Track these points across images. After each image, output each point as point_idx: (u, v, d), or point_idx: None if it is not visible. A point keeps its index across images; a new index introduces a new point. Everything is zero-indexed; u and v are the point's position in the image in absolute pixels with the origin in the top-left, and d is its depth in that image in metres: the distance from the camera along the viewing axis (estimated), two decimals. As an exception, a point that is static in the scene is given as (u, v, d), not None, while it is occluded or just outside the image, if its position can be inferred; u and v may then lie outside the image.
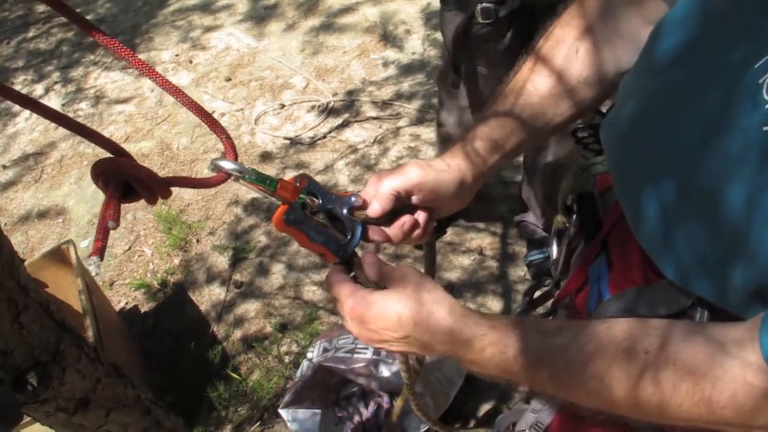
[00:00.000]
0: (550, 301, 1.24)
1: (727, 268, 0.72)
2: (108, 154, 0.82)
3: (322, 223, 0.89)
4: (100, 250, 0.72)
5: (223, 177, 0.83)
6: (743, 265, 0.70)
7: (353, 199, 0.91)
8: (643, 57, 0.88)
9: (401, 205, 0.94)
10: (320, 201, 0.88)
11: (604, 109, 1.12)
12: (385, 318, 0.81)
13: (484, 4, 1.93)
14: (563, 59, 0.96)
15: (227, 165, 0.81)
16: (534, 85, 0.97)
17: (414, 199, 0.94)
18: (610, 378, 0.70)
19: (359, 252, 0.90)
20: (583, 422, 1.09)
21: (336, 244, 0.88)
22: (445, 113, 2.49)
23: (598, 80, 0.97)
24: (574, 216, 1.11)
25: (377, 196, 0.91)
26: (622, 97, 0.94)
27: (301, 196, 0.86)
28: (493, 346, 0.77)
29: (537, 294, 1.26)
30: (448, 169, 0.95)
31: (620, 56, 0.96)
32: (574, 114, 0.99)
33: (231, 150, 0.85)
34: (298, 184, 0.87)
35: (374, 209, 0.91)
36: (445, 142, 2.54)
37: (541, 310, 1.29)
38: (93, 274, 0.70)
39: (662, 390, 0.66)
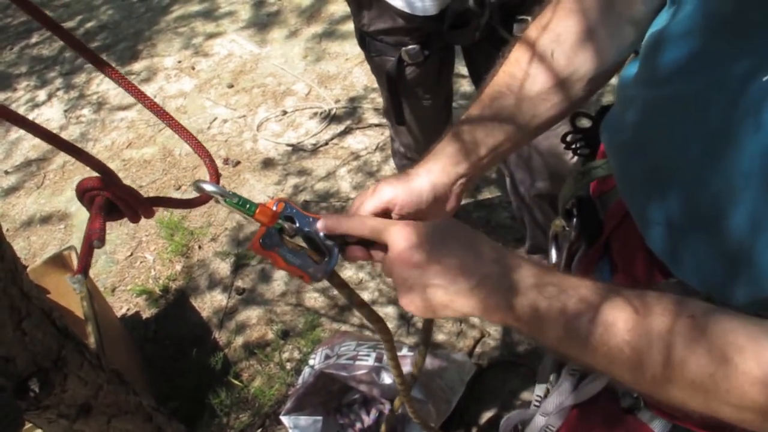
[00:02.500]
0: None
1: (731, 287, 0.72)
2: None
3: (299, 246, 0.90)
4: (84, 269, 0.73)
5: (206, 198, 0.85)
6: (746, 285, 0.70)
7: None
8: (644, 66, 0.88)
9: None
10: (297, 224, 0.89)
11: (591, 112, 1.12)
12: (429, 237, 0.80)
13: (408, 47, 1.91)
14: (557, 56, 0.94)
15: (209, 187, 0.82)
16: (510, 85, 0.95)
17: (393, 215, 0.93)
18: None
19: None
20: (593, 427, 1.09)
21: (313, 266, 0.89)
22: (397, 144, 2.49)
23: (588, 77, 0.95)
24: (575, 219, 1.10)
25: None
26: (622, 101, 0.94)
27: (279, 221, 0.87)
28: (514, 312, 0.75)
29: None
30: (419, 177, 0.94)
31: (608, 53, 0.95)
32: (562, 111, 0.98)
33: (214, 172, 0.87)
34: (275, 209, 0.87)
35: None
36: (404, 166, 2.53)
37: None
38: (77, 292, 0.71)
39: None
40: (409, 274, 0.80)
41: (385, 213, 0.93)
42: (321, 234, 0.90)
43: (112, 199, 0.81)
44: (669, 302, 0.68)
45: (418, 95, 2.09)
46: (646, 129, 0.84)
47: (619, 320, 0.69)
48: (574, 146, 1.18)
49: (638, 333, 0.68)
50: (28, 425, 1.59)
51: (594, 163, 1.08)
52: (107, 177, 0.81)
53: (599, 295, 0.71)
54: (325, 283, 0.95)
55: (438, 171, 0.94)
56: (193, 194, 0.87)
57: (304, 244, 0.91)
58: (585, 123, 1.17)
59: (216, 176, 0.88)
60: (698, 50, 0.76)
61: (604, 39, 0.94)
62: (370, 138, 3.58)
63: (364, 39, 2.02)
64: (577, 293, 0.72)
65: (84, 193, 0.80)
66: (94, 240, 0.75)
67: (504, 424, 1.36)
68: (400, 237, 0.82)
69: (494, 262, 0.78)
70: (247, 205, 0.84)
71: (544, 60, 0.94)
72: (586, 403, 1.08)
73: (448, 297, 0.79)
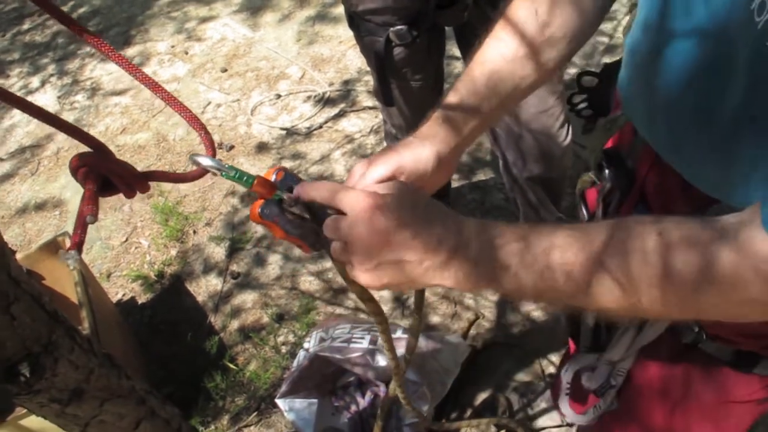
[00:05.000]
0: None
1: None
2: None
3: (299, 215, 0.88)
4: (78, 245, 0.73)
5: (201, 172, 0.84)
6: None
7: None
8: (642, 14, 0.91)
9: None
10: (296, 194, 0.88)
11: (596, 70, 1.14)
12: (398, 211, 0.75)
13: (396, 28, 1.90)
14: (525, 21, 0.96)
15: (205, 161, 0.81)
16: (499, 49, 0.97)
17: None
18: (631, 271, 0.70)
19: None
20: (660, 364, 1.15)
21: (313, 236, 0.88)
22: (388, 125, 2.49)
23: (562, 39, 0.98)
24: (606, 171, 1.12)
25: (357, 187, 0.90)
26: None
27: (278, 192, 0.86)
28: (514, 236, 0.75)
29: None
30: (421, 145, 0.94)
31: (578, 15, 0.97)
32: (541, 75, 1.00)
33: (209, 146, 0.86)
34: (274, 177, 0.86)
35: None
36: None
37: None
38: (71, 268, 0.71)
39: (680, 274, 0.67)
40: (373, 245, 0.75)
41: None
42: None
43: (106, 174, 0.81)
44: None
45: (407, 76, 2.08)
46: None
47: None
48: (577, 109, 1.19)
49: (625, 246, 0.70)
50: (22, 411, 1.59)
51: (618, 112, 1.12)
52: (101, 153, 0.81)
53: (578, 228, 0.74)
54: (319, 266, 0.95)
55: (439, 140, 0.96)
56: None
57: (304, 214, 0.90)
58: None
59: (212, 149, 0.88)
60: None
61: None
62: (365, 121, 3.57)
63: (353, 19, 2.01)
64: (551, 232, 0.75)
65: (77, 169, 0.80)
66: (87, 216, 0.75)
67: (564, 373, 1.42)
68: (360, 200, 0.76)
69: (462, 231, 0.77)
70: (245, 178, 0.83)
71: (529, 22, 0.97)
72: (649, 345, 1.15)
73: (420, 271, 0.76)
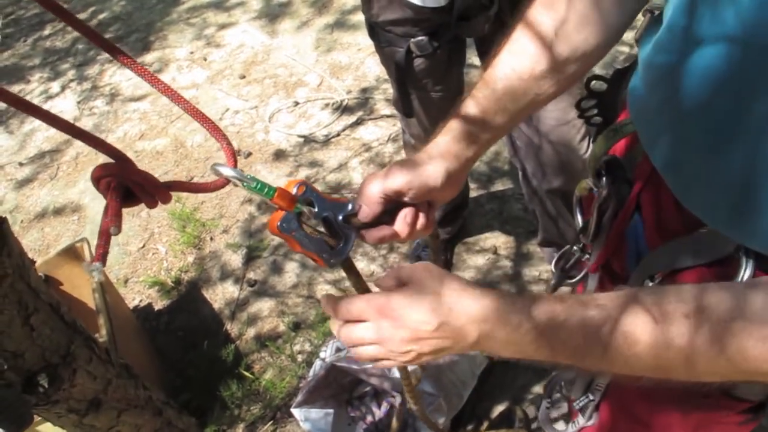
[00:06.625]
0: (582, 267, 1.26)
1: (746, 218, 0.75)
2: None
3: (316, 230, 0.90)
4: (102, 256, 0.72)
5: (223, 182, 0.84)
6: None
7: (349, 206, 0.93)
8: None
9: (396, 203, 0.94)
10: (316, 209, 0.89)
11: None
12: (417, 308, 0.79)
13: (417, 39, 1.89)
14: (544, 37, 0.96)
15: (227, 171, 0.81)
16: (512, 65, 0.97)
17: (406, 198, 0.94)
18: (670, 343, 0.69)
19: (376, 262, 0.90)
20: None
21: (328, 251, 0.90)
22: (407, 135, 2.48)
23: (583, 55, 0.97)
24: (604, 179, 1.11)
25: (366, 201, 0.92)
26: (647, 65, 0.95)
27: (298, 205, 0.86)
28: (533, 321, 0.75)
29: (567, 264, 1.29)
30: (431, 161, 0.95)
31: (612, 23, 0.96)
32: (556, 91, 0.99)
33: (231, 156, 0.86)
34: (295, 191, 0.87)
35: (364, 214, 0.92)
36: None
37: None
38: (96, 280, 0.70)
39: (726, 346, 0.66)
40: (406, 345, 0.81)
41: (396, 196, 0.94)
42: (339, 218, 0.91)
43: (128, 184, 0.81)
44: (686, 307, 0.69)
45: (427, 87, 2.07)
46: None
47: (637, 330, 0.70)
48: (587, 115, 1.18)
49: (658, 343, 0.69)
50: (37, 419, 1.60)
51: (624, 120, 1.10)
52: (122, 163, 0.80)
53: (617, 304, 0.72)
54: (336, 275, 0.96)
55: (451, 156, 0.97)
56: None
57: (321, 228, 0.92)
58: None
59: (233, 159, 0.88)
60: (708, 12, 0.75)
61: (609, 8, 0.95)
62: (382, 129, 3.57)
63: (373, 29, 2.00)
64: (595, 302, 0.73)
65: (99, 180, 0.79)
66: (111, 227, 0.75)
67: (550, 382, 1.43)
68: (372, 311, 0.82)
69: (485, 318, 0.78)
70: (266, 189, 0.83)
71: (547, 39, 0.96)
72: None
73: (455, 351, 0.83)
